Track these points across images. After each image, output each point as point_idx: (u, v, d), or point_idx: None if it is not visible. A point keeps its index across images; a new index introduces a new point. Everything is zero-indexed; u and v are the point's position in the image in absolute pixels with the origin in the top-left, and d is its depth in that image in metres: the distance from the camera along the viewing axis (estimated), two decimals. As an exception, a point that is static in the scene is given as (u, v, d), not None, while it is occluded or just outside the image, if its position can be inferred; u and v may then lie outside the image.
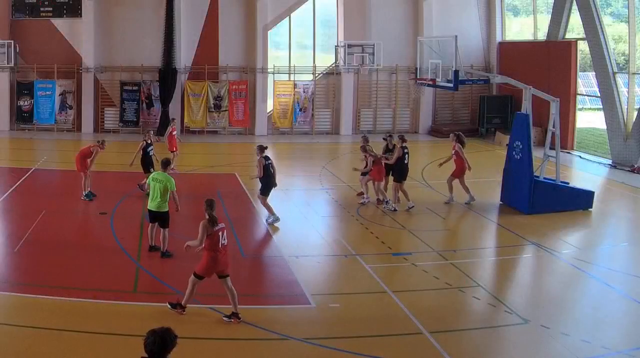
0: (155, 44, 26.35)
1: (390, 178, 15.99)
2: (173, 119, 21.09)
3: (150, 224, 11.89)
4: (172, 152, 18.99)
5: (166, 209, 11.63)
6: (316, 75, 28.04)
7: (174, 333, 5.11)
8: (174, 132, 19.53)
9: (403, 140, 15.75)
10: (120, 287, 10.31)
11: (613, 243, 13.96)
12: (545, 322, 9.21)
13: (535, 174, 15.41)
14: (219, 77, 27.52)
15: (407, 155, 15.58)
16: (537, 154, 16.36)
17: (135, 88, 26.95)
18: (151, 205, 11.67)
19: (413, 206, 15.42)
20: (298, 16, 28.14)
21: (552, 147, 15.87)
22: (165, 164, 11.89)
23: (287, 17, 27.95)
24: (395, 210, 15.29)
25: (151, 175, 11.91)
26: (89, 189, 15.76)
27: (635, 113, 21.19)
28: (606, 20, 22.51)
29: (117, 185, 17.28)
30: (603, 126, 22.82)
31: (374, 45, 26.76)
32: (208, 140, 26.28)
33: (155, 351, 4.97)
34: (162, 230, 11.68)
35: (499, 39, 28.50)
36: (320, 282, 11.15)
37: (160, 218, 11.68)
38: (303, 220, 14.86)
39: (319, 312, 9.74)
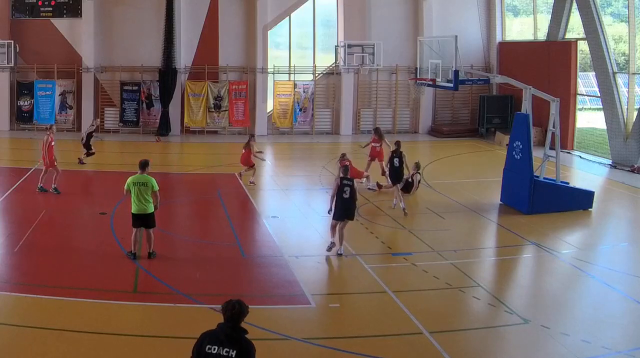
0: (155, 44, 26.34)
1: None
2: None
3: (135, 229, 11.51)
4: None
5: (151, 211, 11.47)
6: (316, 75, 28.04)
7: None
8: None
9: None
10: (120, 287, 10.31)
11: (613, 243, 13.96)
12: (545, 322, 9.21)
13: (535, 173, 15.41)
14: (219, 77, 27.51)
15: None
16: (537, 154, 16.36)
17: (135, 88, 26.94)
18: (135, 208, 11.39)
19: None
20: (298, 16, 28.13)
21: (552, 147, 15.87)
22: (144, 164, 11.52)
23: (287, 17, 27.95)
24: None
25: (131, 180, 11.40)
26: (41, 184, 16.31)
27: (635, 113, 21.19)
28: (606, 20, 22.50)
29: (117, 185, 17.24)
30: (603, 126, 22.82)
31: (374, 45, 26.76)
32: (208, 140, 26.27)
33: (235, 314, 5.45)
34: (147, 231, 11.56)
35: (499, 39, 28.50)
36: (320, 282, 11.15)
37: (146, 220, 11.48)
38: (303, 220, 14.86)
39: (319, 312, 9.74)
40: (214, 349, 5.38)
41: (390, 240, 13.13)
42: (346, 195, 12.09)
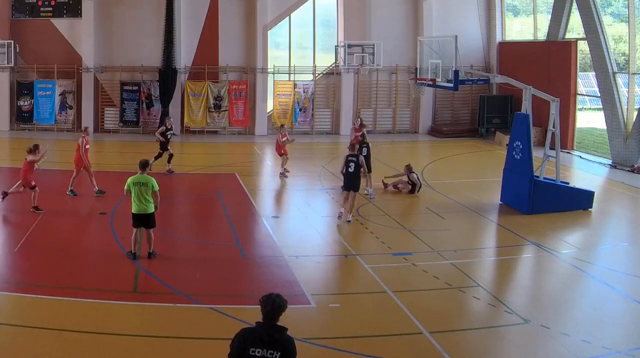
0: (155, 44, 26.35)
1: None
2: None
3: (135, 229, 11.50)
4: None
5: (152, 211, 11.45)
6: (316, 75, 28.05)
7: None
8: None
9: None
10: (120, 287, 10.31)
11: (613, 243, 13.96)
12: (545, 322, 9.21)
13: (535, 173, 15.41)
14: (219, 77, 27.51)
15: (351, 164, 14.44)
16: (537, 154, 16.36)
17: (135, 88, 26.95)
18: (136, 209, 11.37)
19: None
20: (298, 16, 28.15)
21: (552, 147, 15.86)
22: (144, 164, 11.53)
23: (287, 17, 27.96)
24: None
25: (131, 180, 11.39)
26: (97, 187, 16.23)
27: (635, 113, 21.19)
28: (606, 20, 22.51)
29: (117, 185, 17.24)
30: (603, 126, 22.82)
31: (374, 45, 26.77)
32: (208, 140, 26.28)
33: (276, 308, 5.44)
34: (147, 231, 11.55)
35: (499, 39, 28.51)
36: (320, 282, 11.14)
37: (146, 220, 11.46)
38: (303, 220, 14.87)
39: (319, 312, 9.74)
40: (259, 352, 5.35)
41: (390, 240, 13.12)
42: (351, 169, 14.28)
